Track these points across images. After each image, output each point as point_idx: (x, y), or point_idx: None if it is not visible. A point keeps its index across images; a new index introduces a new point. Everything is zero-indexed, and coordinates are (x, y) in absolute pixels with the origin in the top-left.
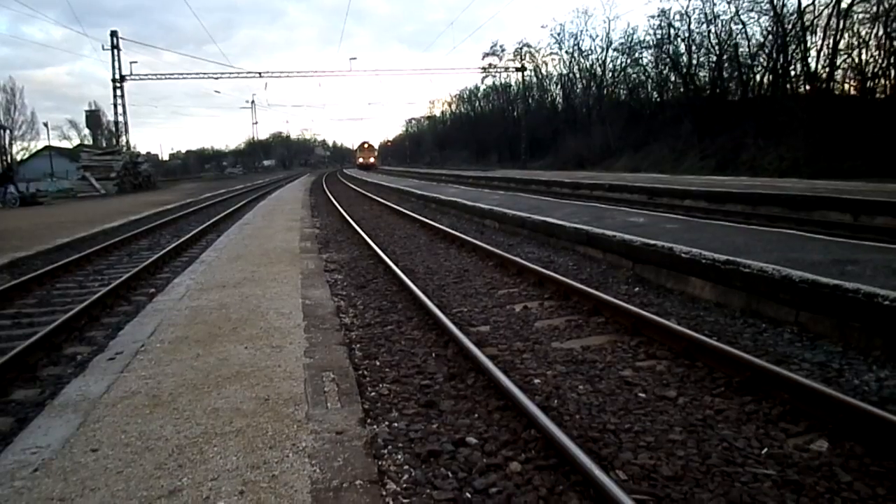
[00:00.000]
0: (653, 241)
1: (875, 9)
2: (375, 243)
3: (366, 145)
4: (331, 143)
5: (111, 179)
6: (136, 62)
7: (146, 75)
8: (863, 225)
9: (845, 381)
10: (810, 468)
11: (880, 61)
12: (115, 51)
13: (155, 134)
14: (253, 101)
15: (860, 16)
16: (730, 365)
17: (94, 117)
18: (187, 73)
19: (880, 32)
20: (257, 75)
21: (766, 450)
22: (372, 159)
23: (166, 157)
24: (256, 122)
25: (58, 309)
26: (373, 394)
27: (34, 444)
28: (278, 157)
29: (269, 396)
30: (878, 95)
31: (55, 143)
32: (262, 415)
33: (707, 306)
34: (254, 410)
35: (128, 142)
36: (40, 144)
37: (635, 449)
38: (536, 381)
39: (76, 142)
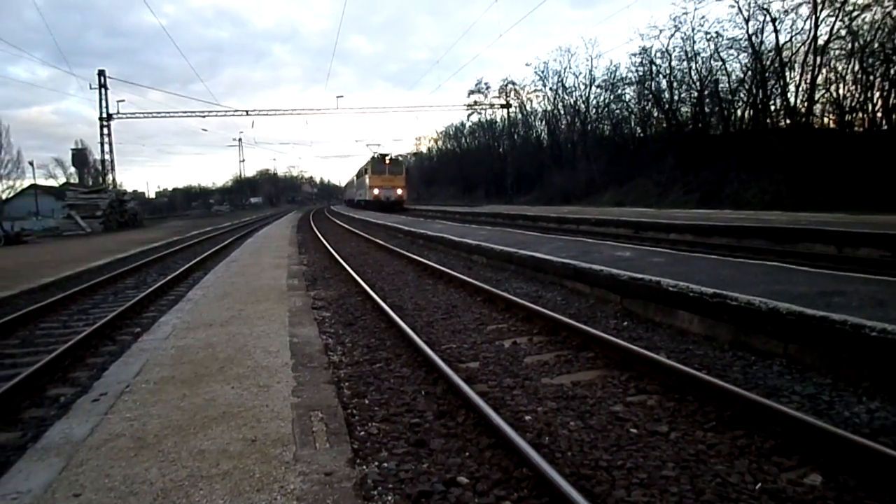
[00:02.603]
0: (640, 275)
1: (850, 45)
2: (363, 280)
3: (387, 160)
4: (318, 180)
5: (97, 218)
6: (122, 101)
7: (133, 114)
8: (847, 256)
9: (836, 413)
10: (805, 503)
11: (857, 96)
12: (103, 90)
13: (142, 172)
14: (240, 139)
15: (836, 52)
16: (721, 399)
17: (80, 156)
18: (174, 112)
19: (856, 68)
20: (244, 113)
21: (759, 484)
22: (399, 190)
23: (153, 195)
24: (243, 160)
25: (41, 349)
26: (362, 433)
27: (15, 490)
28: (265, 194)
29: (256, 437)
30: (856, 129)
31: (41, 181)
32: (249, 456)
33: (696, 339)
34: (241, 452)
35: (114, 180)
36: (25, 183)
37: (628, 486)
38: (527, 417)
39: (62, 180)
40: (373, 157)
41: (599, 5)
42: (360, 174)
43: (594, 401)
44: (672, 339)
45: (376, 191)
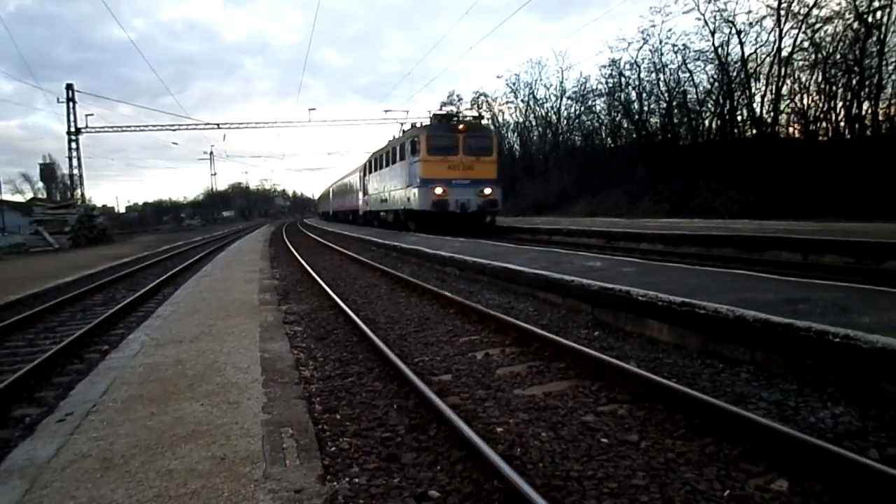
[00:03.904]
0: (610, 285)
1: (814, 56)
2: (336, 293)
3: (460, 125)
4: (290, 193)
5: (65, 233)
6: (91, 115)
7: (102, 128)
8: (812, 263)
9: (801, 418)
10: None
11: (821, 105)
12: (71, 103)
13: (112, 187)
14: (211, 153)
15: (800, 63)
16: (689, 407)
17: (48, 170)
18: (144, 126)
19: (819, 79)
20: (215, 126)
21: (728, 492)
22: (489, 188)
23: (123, 210)
24: (215, 174)
25: (6, 369)
26: (333, 449)
27: None
28: (238, 207)
29: (225, 455)
30: (820, 138)
31: (7, 197)
32: (217, 475)
33: (665, 348)
34: (209, 471)
35: (83, 195)
36: None
37: (599, 496)
38: (499, 429)
39: (29, 195)
40: (421, 125)
41: (569, 18)
42: (385, 160)
43: (565, 411)
44: (642, 347)
45: (439, 189)
